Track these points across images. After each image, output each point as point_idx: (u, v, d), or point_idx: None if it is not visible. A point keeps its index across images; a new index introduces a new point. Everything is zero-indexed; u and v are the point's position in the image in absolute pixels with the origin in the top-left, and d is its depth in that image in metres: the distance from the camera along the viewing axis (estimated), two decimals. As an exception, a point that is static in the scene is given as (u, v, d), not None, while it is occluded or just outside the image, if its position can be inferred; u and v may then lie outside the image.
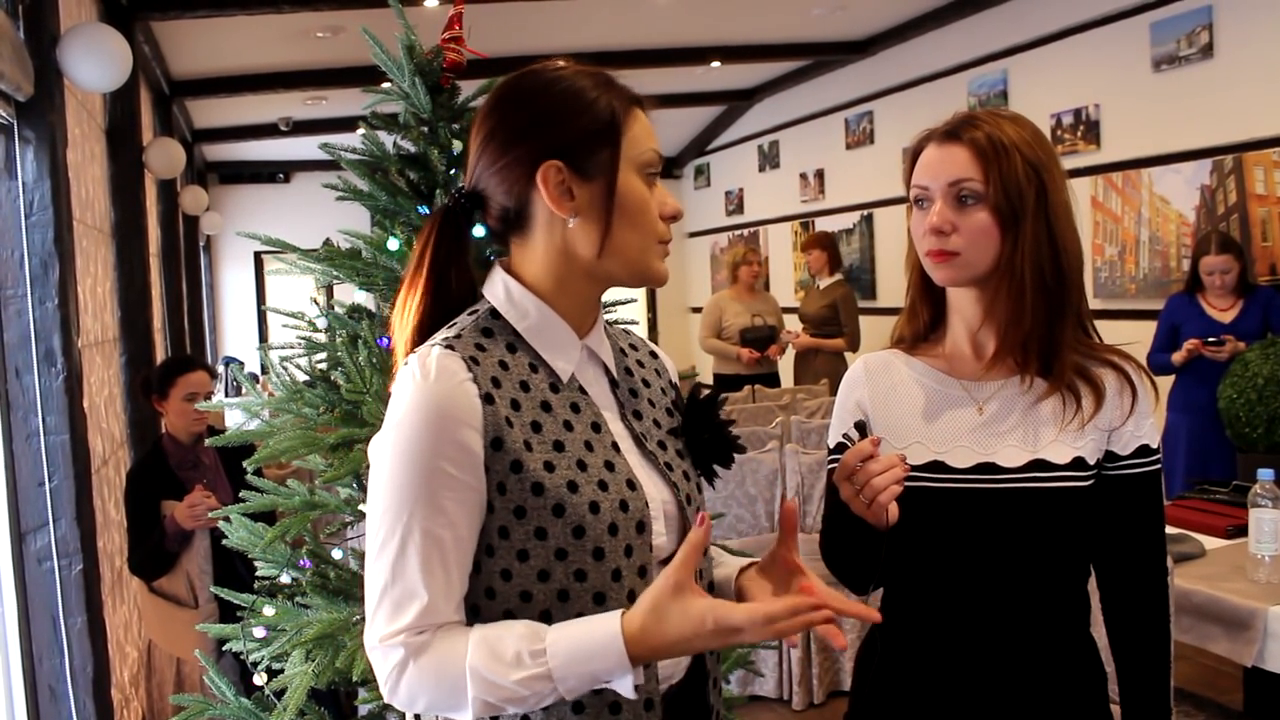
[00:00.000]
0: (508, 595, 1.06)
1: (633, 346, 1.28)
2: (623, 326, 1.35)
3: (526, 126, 1.11)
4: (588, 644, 0.99)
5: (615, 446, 1.12)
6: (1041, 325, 1.32)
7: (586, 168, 1.10)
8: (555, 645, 0.99)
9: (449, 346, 1.07)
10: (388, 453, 1.04)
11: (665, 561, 1.11)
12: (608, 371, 1.18)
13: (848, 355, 6.02)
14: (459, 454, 1.03)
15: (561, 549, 1.05)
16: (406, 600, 1.02)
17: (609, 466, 1.10)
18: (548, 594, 1.06)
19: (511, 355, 1.10)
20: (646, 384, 1.23)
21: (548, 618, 1.05)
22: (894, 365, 1.44)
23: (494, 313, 1.13)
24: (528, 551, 1.05)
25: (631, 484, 1.10)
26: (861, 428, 1.27)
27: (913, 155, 1.38)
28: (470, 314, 1.14)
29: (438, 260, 1.15)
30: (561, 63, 1.15)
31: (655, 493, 1.13)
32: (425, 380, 1.04)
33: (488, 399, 1.05)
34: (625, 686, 1.00)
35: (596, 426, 1.12)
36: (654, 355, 1.30)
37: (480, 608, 1.07)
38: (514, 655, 0.99)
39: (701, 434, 1.22)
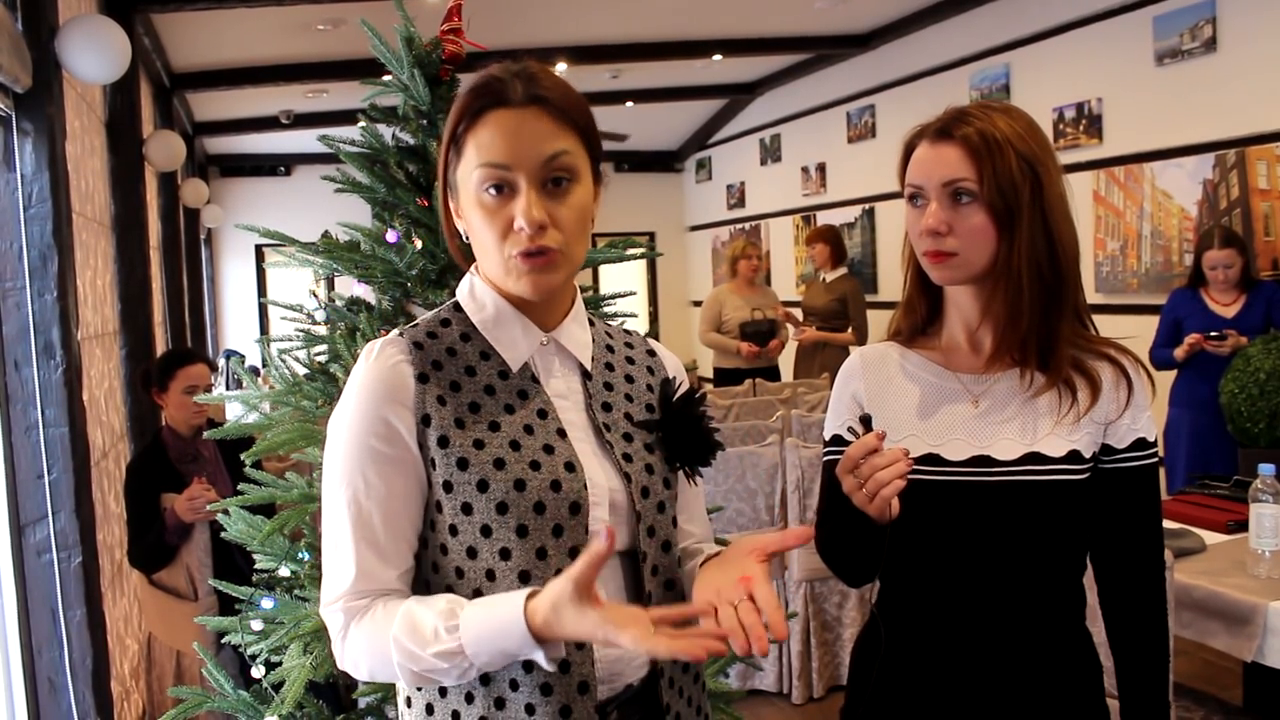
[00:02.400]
0: (447, 571, 1.11)
1: (628, 344, 1.28)
2: (624, 325, 1.37)
3: None
4: (495, 624, 1.01)
5: (561, 433, 1.14)
6: (1039, 321, 1.31)
7: (451, 192, 1.15)
8: (467, 622, 1.01)
9: (400, 333, 1.15)
10: (333, 428, 1.13)
11: (619, 552, 1.14)
12: (580, 363, 1.19)
13: (853, 349, 6.02)
14: (386, 430, 1.09)
15: (486, 525, 1.08)
16: (345, 569, 1.09)
17: (548, 449, 1.11)
18: (477, 571, 1.09)
19: (464, 343, 1.15)
20: (630, 379, 1.23)
21: (480, 595, 1.07)
22: (890, 358, 1.44)
23: (456, 306, 1.19)
24: (456, 527, 1.10)
25: (571, 467, 1.11)
26: (866, 421, 1.26)
27: (906, 152, 1.37)
28: (437, 309, 1.20)
29: None
30: (493, 68, 1.13)
31: (602, 480, 1.13)
32: (367, 362, 1.12)
33: (422, 378, 1.10)
34: (540, 660, 1.01)
35: (543, 413, 1.14)
36: (651, 354, 1.30)
37: (430, 582, 1.13)
38: (432, 630, 1.02)
39: (678, 432, 1.22)
